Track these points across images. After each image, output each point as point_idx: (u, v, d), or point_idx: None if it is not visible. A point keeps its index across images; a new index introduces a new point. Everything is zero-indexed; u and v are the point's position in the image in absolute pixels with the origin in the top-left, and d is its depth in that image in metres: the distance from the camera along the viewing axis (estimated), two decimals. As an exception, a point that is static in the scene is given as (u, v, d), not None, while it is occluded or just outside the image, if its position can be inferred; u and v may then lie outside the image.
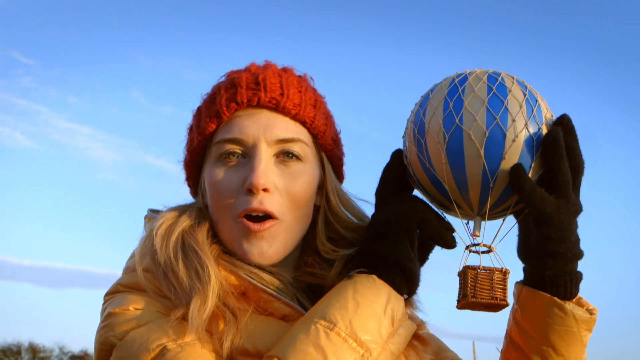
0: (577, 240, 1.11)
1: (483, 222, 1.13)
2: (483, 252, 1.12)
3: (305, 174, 1.20)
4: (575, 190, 1.12)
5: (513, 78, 1.13)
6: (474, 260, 1.11)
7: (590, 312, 1.16)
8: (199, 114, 1.25)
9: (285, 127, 1.19)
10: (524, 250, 1.15)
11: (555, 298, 1.12)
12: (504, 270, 1.10)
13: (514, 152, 1.06)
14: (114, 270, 1.27)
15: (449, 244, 1.13)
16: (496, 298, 1.08)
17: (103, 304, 1.18)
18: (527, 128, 1.07)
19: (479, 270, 1.09)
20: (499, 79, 1.12)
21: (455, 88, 1.11)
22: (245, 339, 1.06)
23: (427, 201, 1.17)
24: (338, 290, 1.06)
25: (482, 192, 1.08)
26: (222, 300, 1.09)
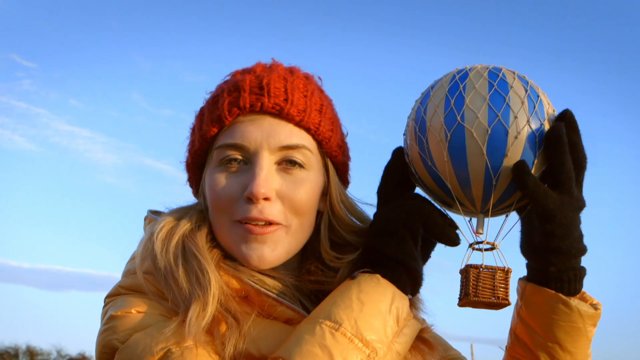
0: (581, 236, 1.11)
1: (486, 220, 1.12)
2: (486, 250, 1.11)
3: (308, 182, 1.16)
4: (579, 186, 1.11)
5: (514, 73, 1.12)
6: (476, 258, 1.11)
7: (595, 307, 1.15)
8: (201, 116, 1.23)
9: (288, 134, 1.15)
10: (528, 247, 1.14)
11: (560, 294, 1.11)
12: (506, 269, 1.09)
13: (517, 149, 1.05)
14: (113, 273, 1.28)
15: (453, 241, 1.12)
16: (498, 297, 1.08)
17: (104, 307, 1.16)
18: (529, 124, 1.06)
19: (481, 269, 1.08)
20: (500, 74, 1.11)
21: (456, 85, 1.10)
22: (249, 343, 1.05)
23: (430, 199, 1.16)
24: (342, 290, 1.05)
25: (485, 189, 1.07)
26: (224, 305, 1.07)
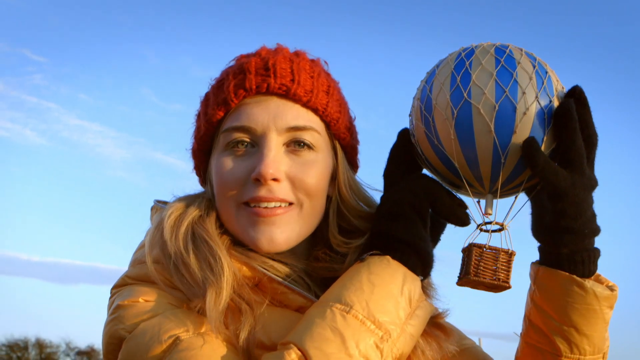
0: (594, 215, 1.08)
1: (495, 200, 1.10)
2: (494, 231, 1.09)
3: (317, 164, 1.14)
4: (590, 164, 1.08)
5: (521, 50, 1.10)
6: (483, 240, 1.09)
7: (611, 288, 1.12)
8: (206, 101, 1.21)
9: (296, 115, 1.13)
10: (538, 228, 1.11)
11: (574, 276, 1.08)
12: (510, 251, 1.07)
13: (525, 126, 1.03)
14: (122, 267, 1.23)
15: (463, 221, 1.10)
16: (498, 279, 1.05)
17: (110, 297, 1.14)
18: (537, 100, 1.04)
19: (484, 249, 1.06)
20: (507, 51, 1.08)
21: (462, 62, 1.08)
22: (260, 331, 1.03)
23: (437, 179, 1.13)
24: (351, 274, 1.02)
25: (493, 168, 1.05)
26: (237, 292, 1.05)
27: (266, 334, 1.03)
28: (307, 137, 1.14)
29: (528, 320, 1.19)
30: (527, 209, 1.14)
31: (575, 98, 1.07)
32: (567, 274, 1.08)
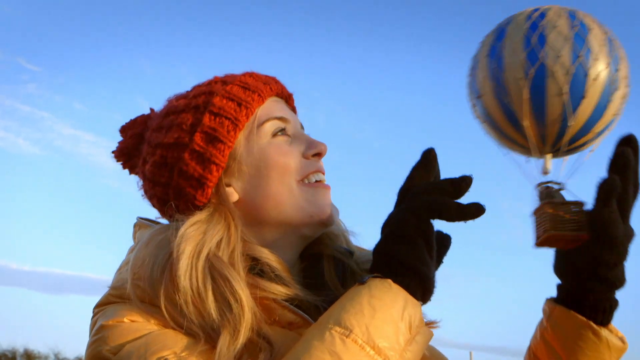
0: (624, 267, 1.09)
1: (555, 160, 1.13)
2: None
3: None
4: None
5: (591, 16, 1.13)
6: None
7: (622, 340, 1.13)
8: (235, 104, 1.18)
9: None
10: (567, 269, 1.11)
11: (591, 322, 1.09)
12: (579, 202, 1.07)
13: (595, 91, 1.06)
14: (112, 277, 1.17)
15: (477, 214, 1.02)
16: (577, 230, 1.05)
17: (93, 317, 1.10)
18: (608, 67, 1.07)
19: (556, 204, 1.06)
20: (579, 16, 1.11)
21: (535, 24, 1.10)
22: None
23: (495, 139, 1.16)
24: (352, 295, 0.99)
25: (560, 129, 1.08)
26: (256, 331, 1.03)
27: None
28: None
29: (533, 354, 1.20)
30: (586, 167, 1.15)
31: (632, 148, 1.06)
32: (586, 319, 1.09)
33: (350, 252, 1.25)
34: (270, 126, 1.19)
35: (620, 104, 1.12)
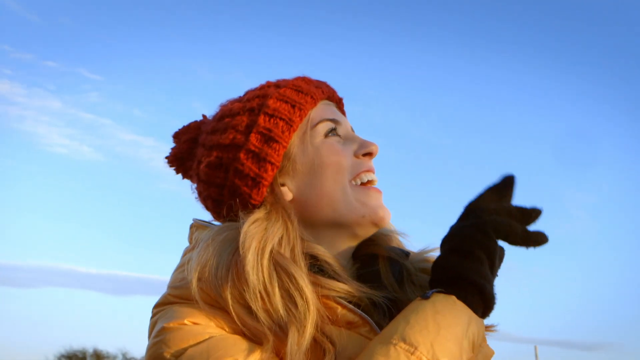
0: None
1: None
2: None
3: None
4: None
5: None
6: None
7: None
8: (289, 106, 1.19)
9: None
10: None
11: None
12: None
13: None
14: (170, 277, 1.18)
15: (541, 243, 1.04)
16: None
17: (152, 317, 1.10)
18: None
19: None
20: None
21: None
22: None
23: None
24: (416, 310, 0.98)
25: None
26: (321, 329, 1.02)
27: None
28: None
29: None
30: None
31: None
32: None
33: (406, 253, 1.24)
34: (323, 127, 1.20)
35: None
